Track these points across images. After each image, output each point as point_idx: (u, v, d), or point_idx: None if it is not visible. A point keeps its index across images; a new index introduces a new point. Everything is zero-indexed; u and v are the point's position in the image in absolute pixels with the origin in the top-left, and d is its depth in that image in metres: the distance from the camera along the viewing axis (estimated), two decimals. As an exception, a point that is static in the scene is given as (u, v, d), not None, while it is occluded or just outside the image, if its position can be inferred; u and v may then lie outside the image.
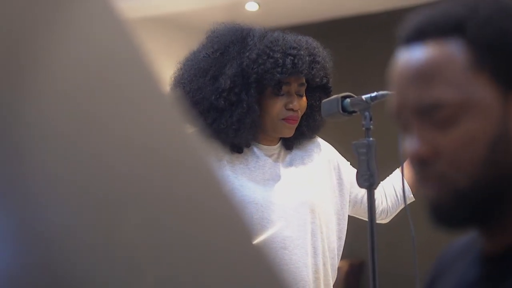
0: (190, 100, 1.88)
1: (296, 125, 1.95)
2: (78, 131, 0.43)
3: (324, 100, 1.84)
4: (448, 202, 0.78)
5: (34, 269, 0.40)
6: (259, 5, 5.24)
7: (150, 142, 0.47)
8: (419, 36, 0.79)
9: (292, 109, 1.92)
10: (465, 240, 0.91)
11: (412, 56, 0.79)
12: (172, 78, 1.97)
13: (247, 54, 1.88)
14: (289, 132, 1.95)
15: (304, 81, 1.95)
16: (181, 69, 1.96)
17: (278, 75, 1.87)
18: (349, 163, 2.09)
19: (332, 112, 1.79)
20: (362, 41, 5.53)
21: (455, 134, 0.76)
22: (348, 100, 1.77)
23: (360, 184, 1.68)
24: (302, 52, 1.90)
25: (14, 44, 0.43)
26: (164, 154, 0.47)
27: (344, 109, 1.78)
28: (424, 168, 0.78)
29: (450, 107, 0.76)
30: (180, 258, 0.45)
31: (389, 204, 2.06)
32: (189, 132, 0.50)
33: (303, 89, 1.96)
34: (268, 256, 0.50)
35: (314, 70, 1.93)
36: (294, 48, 1.90)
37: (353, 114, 1.78)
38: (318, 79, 1.96)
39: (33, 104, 0.42)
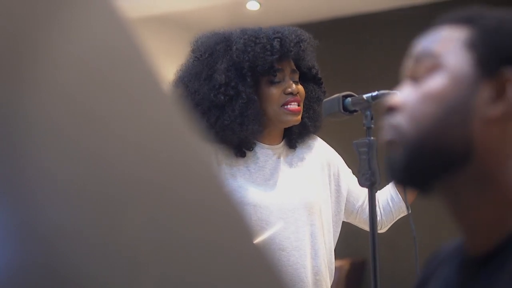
0: (190, 104, 1.90)
1: (300, 111, 1.95)
2: (79, 130, 0.44)
3: (325, 99, 1.84)
4: (397, 152, 0.83)
5: (34, 269, 0.40)
6: (260, 4, 5.24)
7: (151, 141, 0.47)
8: (438, 23, 0.89)
9: (291, 93, 1.94)
10: (453, 246, 0.91)
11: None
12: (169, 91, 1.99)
13: (234, 47, 1.92)
14: (294, 119, 1.95)
15: (295, 67, 1.98)
16: (175, 82, 1.99)
17: (269, 58, 1.90)
18: (350, 170, 2.08)
19: (333, 111, 1.79)
20: (363, 40, 5.53)
21: (422, 88, 0.83)
22: (349, 99, 1.78)
23: (362, 183, 1.68)
24: (286, 33, 1.95)
25: (14, 42, 0.43)
26: (164, 153, 0.48)
27: (345, 108, 1.78)
28: (388, 116, 0.85)
29: (432, 58, 0.84)
30: (180, 258, 0.45)
31: (384, 218, 2.04)
32: (190, 131, 0.50)
33: (296, 76, 1.98)
34: (267, 258, 0.50)
35: (302, 47, 1.96)
36: (278, 32, 1.95)
37: (354, 113, 1.79)
38: (308, 57, 1.99)
39: (34, 103, 0.43)
